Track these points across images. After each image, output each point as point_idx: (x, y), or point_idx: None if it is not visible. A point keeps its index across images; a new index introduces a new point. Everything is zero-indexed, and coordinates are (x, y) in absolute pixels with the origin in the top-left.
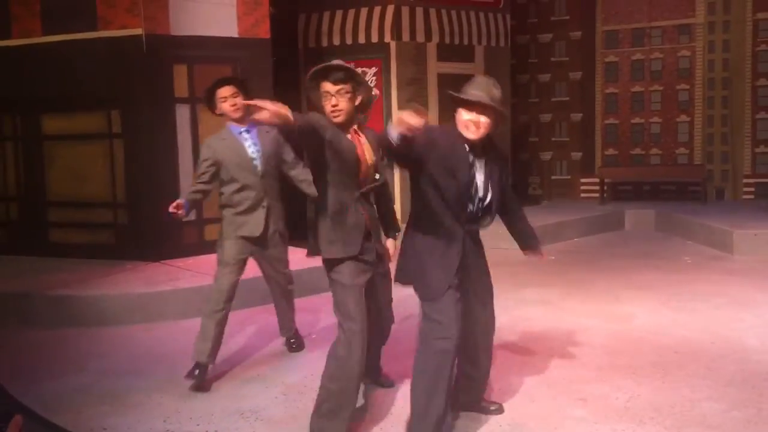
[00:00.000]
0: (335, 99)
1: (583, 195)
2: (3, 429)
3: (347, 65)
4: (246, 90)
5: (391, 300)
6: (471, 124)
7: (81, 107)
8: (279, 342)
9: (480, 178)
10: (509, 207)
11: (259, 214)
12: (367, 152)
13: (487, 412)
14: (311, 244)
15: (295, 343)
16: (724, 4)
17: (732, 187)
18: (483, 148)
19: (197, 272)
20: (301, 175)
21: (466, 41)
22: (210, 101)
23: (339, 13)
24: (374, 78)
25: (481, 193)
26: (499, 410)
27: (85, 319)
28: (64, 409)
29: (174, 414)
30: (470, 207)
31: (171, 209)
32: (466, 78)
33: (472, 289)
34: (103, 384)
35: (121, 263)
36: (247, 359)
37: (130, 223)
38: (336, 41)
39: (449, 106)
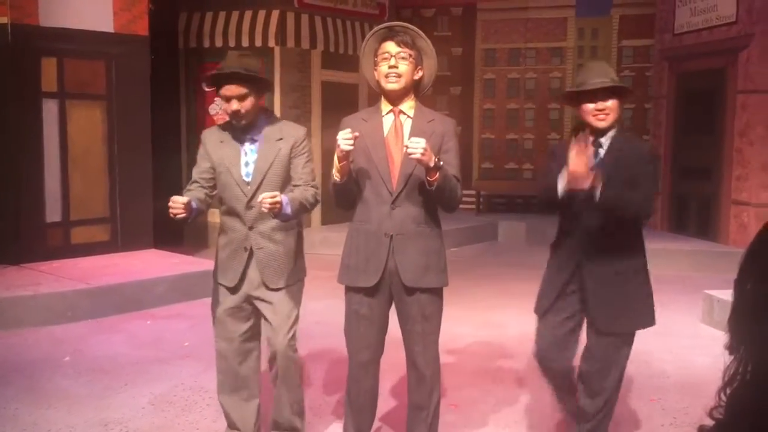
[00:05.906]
0: (395, 60)
1: (460, 206)
2: None
3: (417, 30)
4: (261, 90)
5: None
6: (599, 112)
7: None
8: (147, 350)
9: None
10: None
11: (239, 258)
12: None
13: None
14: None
15: None
16: (593, 32)
17: None
18: (612, 139)
19: (61, 277)
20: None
21: (351, 51)
22: (211, 86)
23: (222, 15)
24: None
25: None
26: None
27: None
28: None
29: (31, 426)
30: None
31: (175, 208)
32: (351, 87)
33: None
34: None
35: None
36: (114, 368)
37: None
38: (218, 43)
39: (332, 114)
